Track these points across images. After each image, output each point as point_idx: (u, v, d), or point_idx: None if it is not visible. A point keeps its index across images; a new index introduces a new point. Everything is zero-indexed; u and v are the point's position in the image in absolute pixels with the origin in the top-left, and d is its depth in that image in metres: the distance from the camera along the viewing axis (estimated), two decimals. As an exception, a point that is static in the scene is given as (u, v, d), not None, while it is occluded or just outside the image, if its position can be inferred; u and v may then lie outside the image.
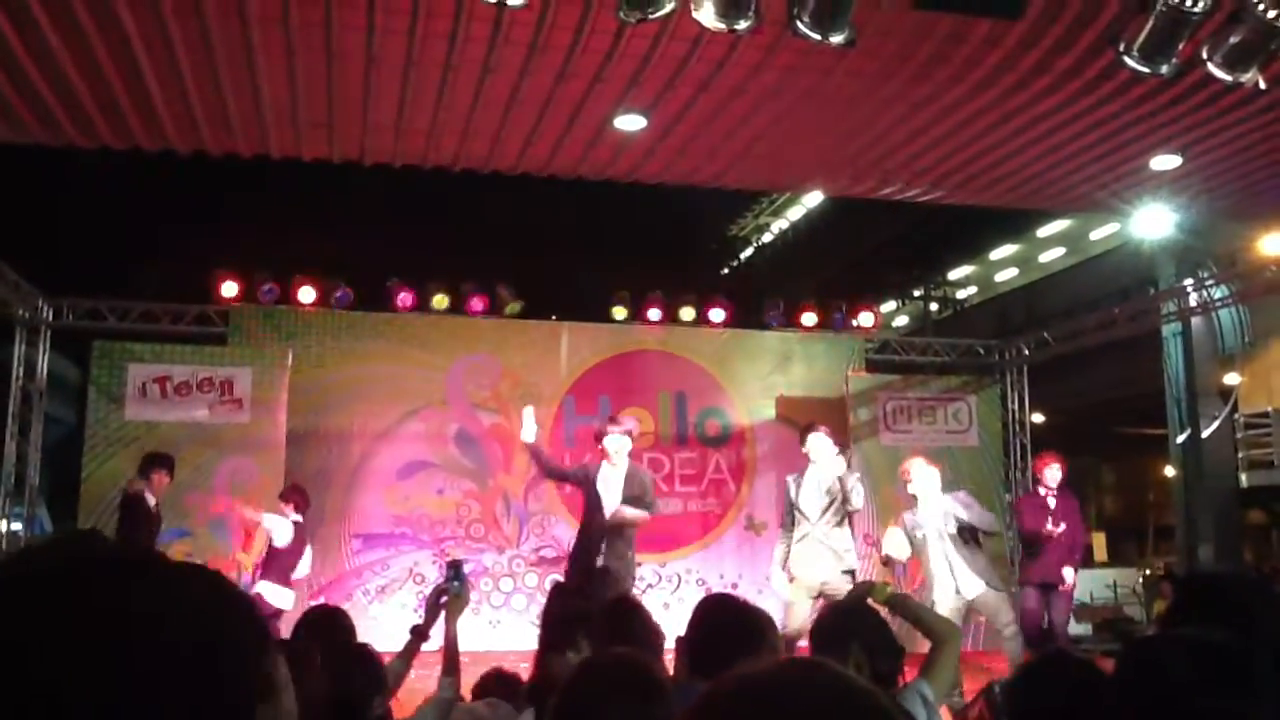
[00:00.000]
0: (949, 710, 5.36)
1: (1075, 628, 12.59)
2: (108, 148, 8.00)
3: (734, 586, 10.89)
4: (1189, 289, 12.09)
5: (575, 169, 8.56)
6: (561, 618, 3.70)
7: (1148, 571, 13.98)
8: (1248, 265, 10.91)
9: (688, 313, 11.89)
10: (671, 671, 2.80)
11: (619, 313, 11.78)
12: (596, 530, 6.82)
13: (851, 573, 7.31)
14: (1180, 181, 8.73)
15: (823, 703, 0.86)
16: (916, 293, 23.98)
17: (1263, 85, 5.83)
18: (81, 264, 13.02)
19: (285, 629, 6.04)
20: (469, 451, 11.16)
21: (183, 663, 0.73)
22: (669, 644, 3.27)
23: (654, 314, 11.79)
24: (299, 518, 8.35)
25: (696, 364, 11.90)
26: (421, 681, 4.11)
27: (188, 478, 9.99)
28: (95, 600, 0.75)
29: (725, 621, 2.93)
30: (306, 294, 10.93)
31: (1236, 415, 13.30)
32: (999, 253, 22.74)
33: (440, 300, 11.26)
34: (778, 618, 4.16)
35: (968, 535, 7.26)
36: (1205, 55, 5.73)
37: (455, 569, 3.82)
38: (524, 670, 4.11)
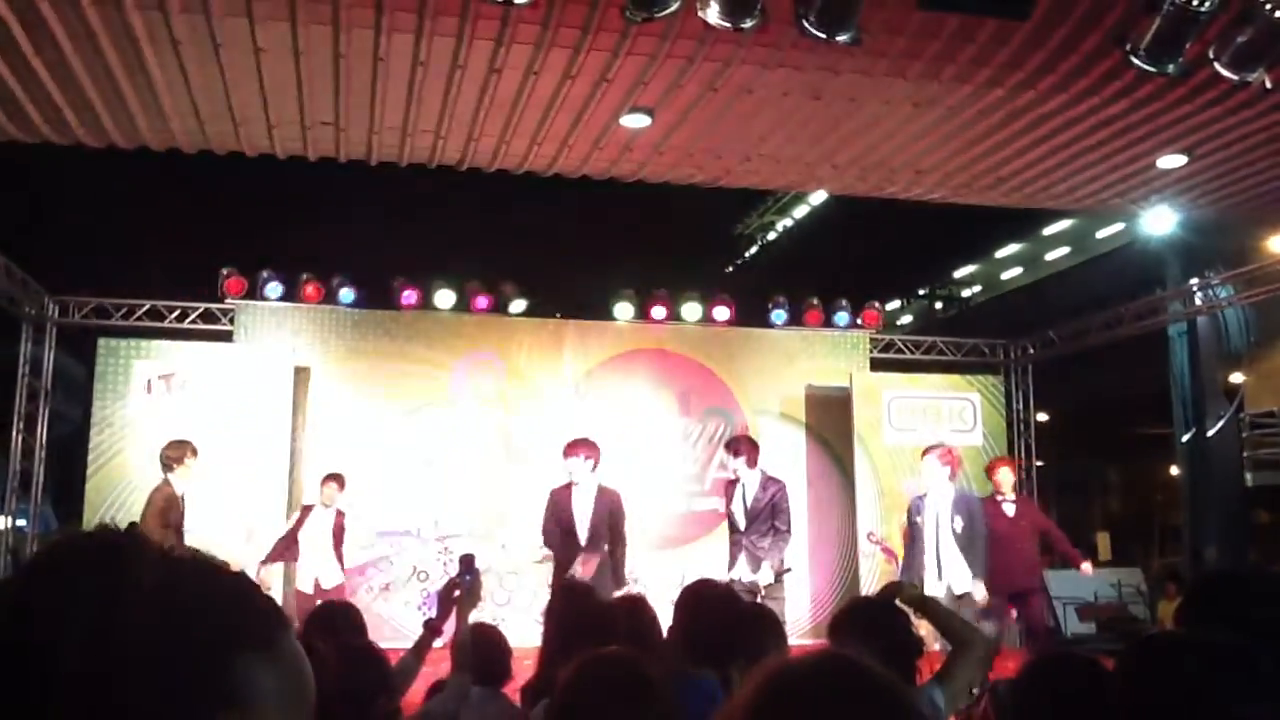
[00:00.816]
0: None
1: (1079, 627, 12.59)
2: (115, 146, 8.02)
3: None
4: (1195, 288, 12.08)
5: (581, 168, 8.56)
6: (570, 619, 3.70)
7: (1152, 570, 13.97)
8: (1254, 265, 10.89)
9: (692, 311, 11.89)
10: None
11: (623, 311, 11.78)
12: (570, 552, 7.25)
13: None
14: (1186, 181, 8.72)
15: (860, 696, 0.89)
16: (921, 291, 23.96)
17: (1269, 85, 5.82)
18: (87, 262, 13.03)
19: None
20: (473, 449, 11.16)
21: (120, 663, 0.72)
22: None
23: (658, 313, 11.79)
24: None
25: (701, 363, 11.90)
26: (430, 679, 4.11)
27: (192, 475, 10.00)
28: (45, 599, 0.74)
29: (731, 613, 2.94)
30: (312, 292, 10.95)
31: (1242, 415, 13.26)
32: (1004, 251, 22.71)
33: (445, 298, 11.28)
34: (787, 614, 4.16)
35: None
36: (1212, 55, 5.72)
37: (467, 564, 3.81)
38: (528, 668, 4.10)
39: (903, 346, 12.88)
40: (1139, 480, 23.16)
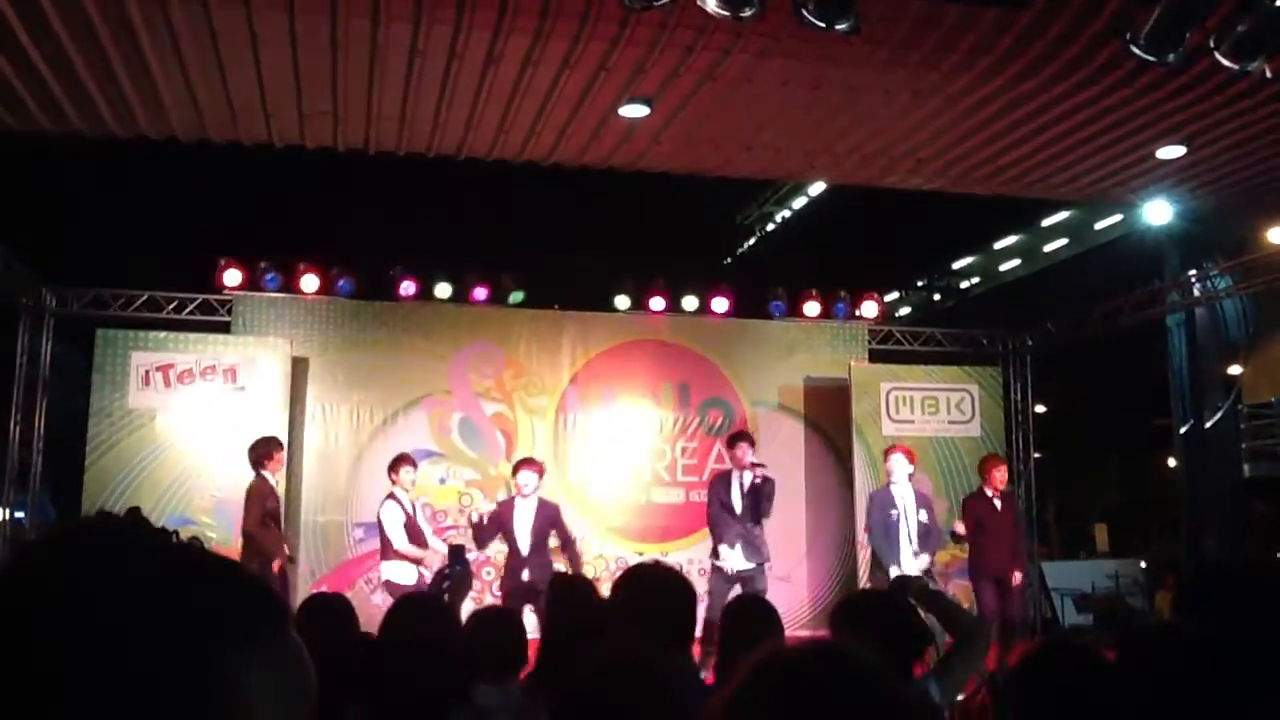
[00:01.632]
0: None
1: (1077, 618, 12.62)
2: (112, 135, 8.00)
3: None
4: (1193, 279, 12.08)
5: (580, 157, 8.56)
6: (569, 610, 3.69)
7: (1149, 563, 13.98)
8: (1252, 255, 10.89)
9: (691, 302, 11.88)
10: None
11: (622, 302, 11.77)
12: (516, 560, 7.93)
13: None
14: (1186, 171, 8.72)
15: (847, 687, 0.88)
16: (920, 282, 23.94)
17: (1269, 74, 5.81)
18: (85, 252, 13.01)
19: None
20: (471, 440, 11.16)
21: (94, 657, 0.69)
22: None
23: (657, 303, 11.78)
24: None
25: (699, 353, 11.89)
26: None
27: (190, 466, 10.02)
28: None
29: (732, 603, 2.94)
30: (310, 282, 10.92)
31: (1240, 406, 13.26)
32: (1003, 242, 22.70)
33: (443, 289, 11.26)
34: (781, 606, 4.17)
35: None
36: (1212, 44, 5.71)
37: (457, 554, 3.81)
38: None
39: (901, 338, 12.86)
40: (1137, 471, 23.18)
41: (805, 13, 5.40)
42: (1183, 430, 13.89)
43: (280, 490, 8.71)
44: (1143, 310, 12.15)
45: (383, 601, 10.33)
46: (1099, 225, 18.77)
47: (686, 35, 6.39)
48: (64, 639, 0.69)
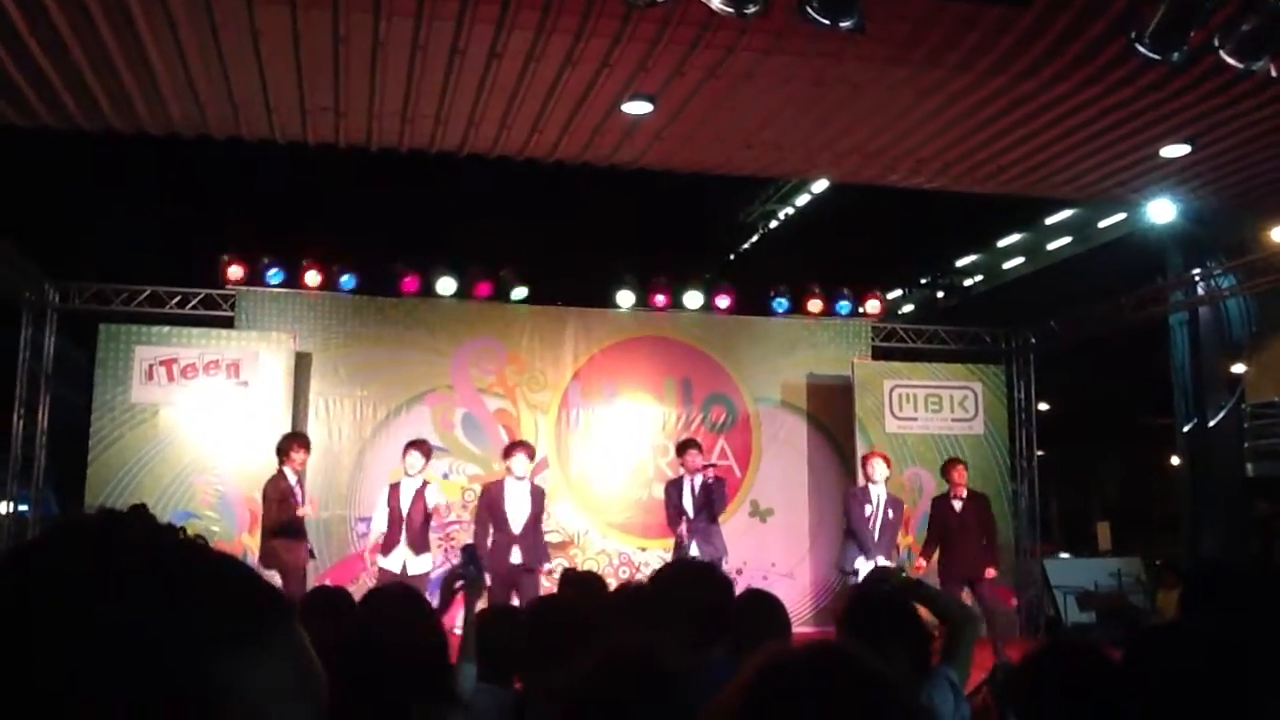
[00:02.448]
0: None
1: (1079, 616, 12.60)
2: (114, 130, 8.00)
3: (738, 573, 10.89)
4: (1196, 278, 12.06)
5: (582, 155, 8.55)
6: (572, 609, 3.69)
7: (1155, 561, 13.96)
8: (1256, 254, 10.87)
9: (694, 299, 11.88)
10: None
11: (625, 298, 11.77)
12: (506, 538, 8.21)
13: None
14: (1189, 170, 8.70)
15: (846, 688, 0.89)
16: (923, 280, 23.89)
17: (1274, 74, 5.80)
18: (88, 247, 13.01)
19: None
20: (474, 436, 11.18)
21: (86, 657, 0.68)
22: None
23: (660, 300, 11.79)
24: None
25: (702, 350, 11.89)
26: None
27: (194, 461, 10.03)
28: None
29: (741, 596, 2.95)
30: (313, 278, 10.95)
31: (1243, 405, 13.24)
32: (1006, 241, 22.64)
33: (446, 285, 11.27)
34: (789, 602, 4.20)
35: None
36: (1217, 43, 5.69)
37: (470, 554, 3.78)
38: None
39: (904, 335, 12.86)
40: (1140, 470, 23.15)
41: (810, 10, 5.40)
42: (1186, 429, 13.88)
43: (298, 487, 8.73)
44: (1146, 309, 12.14)
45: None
46: (1102, 224, 18.71)
47: (689, 32, 6.39)
48: (67, 637, 0.69)
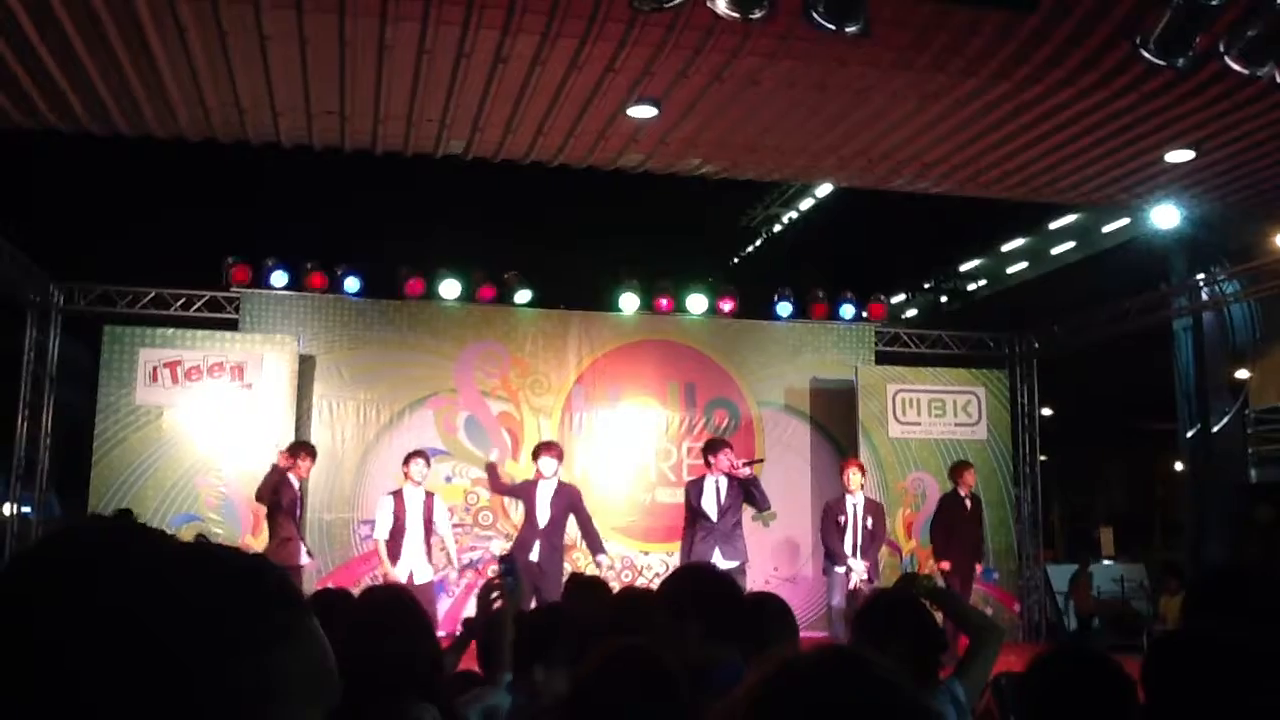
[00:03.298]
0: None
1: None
2: (120, 134, 8.02)
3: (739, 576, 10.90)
4: (1200, 284, 12.05)
5: (587, 158, 8.55)
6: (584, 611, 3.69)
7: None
8: (1260, 260, 10.86)
9: (697, 303, 11.88)
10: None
11: (628, 302, 11.77)
12: (531, 534, 8.27)
13: None
14: (1194, 176, 8.70)
15: (858, 694, 0.89)
16: (927, 284, 23.89)
17: (1279, 79, 5.80)
18: (92, 249, 13.04)
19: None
20: (477, 439, 11.18)
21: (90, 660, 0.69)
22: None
23: (663, 304, 11.79)
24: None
25: (705, 354, 11.89)
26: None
27: (197, 463, 10.04)
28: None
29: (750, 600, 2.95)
30: (317, 280, 10.95)
31: (1247, 411, 13.24)
32: (1010, 245, 22.64)
33: (450, 288, 11.27)
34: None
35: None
36: (1222, 48, 5.70)
37: (508, 564, 3.71)
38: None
39: (908, 340, 12.86)
40: (1143, 475, 23.13)
41: (815, 14, 5.40)
42: (1189, 434, 13.88)
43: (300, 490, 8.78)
44: (1149, 314, 12.13)
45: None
46: (1106, 229, 18.73)
47: (694, 36, 6.39)
48: (89, 643, 0.70)
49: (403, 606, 3.01)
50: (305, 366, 10.70)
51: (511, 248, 13.56)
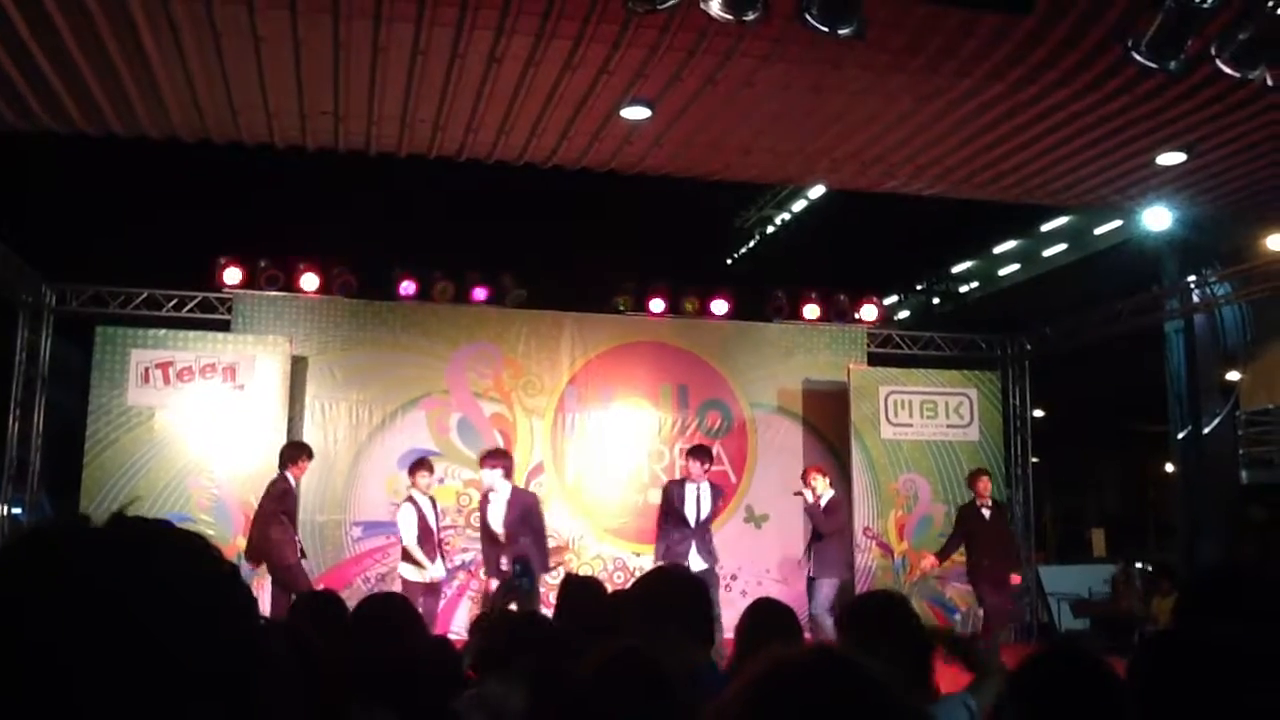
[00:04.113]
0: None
1: (1074, 622, 12.62)
2: (114, 134, 8.00)
3: (733, 578, 10.91)
4: (1192, 286, 12.10)
5: (580, 160, 8.55)
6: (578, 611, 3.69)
7: (1148, 567, 13.98)
8: (1251, 262, 10.91)
9: (690, 304, 11.89)
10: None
11: (622, 304, 11.78)
12: (491, 547, 8.05)
13: None
14: (1186, 178, 8.73)
15: (845, 692, 0.89)
16: (919, 286, 23.94)
17: (1270, 82, 5.82)
18: (85, 249, 13.00)
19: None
20: (470, 440, 11.16)
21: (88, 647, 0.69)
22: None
23: (656, 305, 11.79)
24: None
25: (698, 356, 11.90)
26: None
27: (189, 464, 10.02)
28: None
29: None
30: (310, 281, 10.93)
31: (1238, 412, 13.29)
32: (1002, 247, 22.70)
33: (443, 289, 11.26)
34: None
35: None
36: (1214, 51, 5.72)
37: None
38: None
39: (900, 341, 12.88)
40: (1134, 477, 23.20)
41: (809, 16, 5.40)
42: (1180, 436, 13.92)
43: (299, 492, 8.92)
44: (1141, 316, 12.17)
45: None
46: (1098, 231, 18.78)
47: (689, 38, 6.40)
48: (82, 643, 0.70)
49: (397, 612, 3.03)
50: (298, 367, 10.69)
51: (505, 249, 13.56)
